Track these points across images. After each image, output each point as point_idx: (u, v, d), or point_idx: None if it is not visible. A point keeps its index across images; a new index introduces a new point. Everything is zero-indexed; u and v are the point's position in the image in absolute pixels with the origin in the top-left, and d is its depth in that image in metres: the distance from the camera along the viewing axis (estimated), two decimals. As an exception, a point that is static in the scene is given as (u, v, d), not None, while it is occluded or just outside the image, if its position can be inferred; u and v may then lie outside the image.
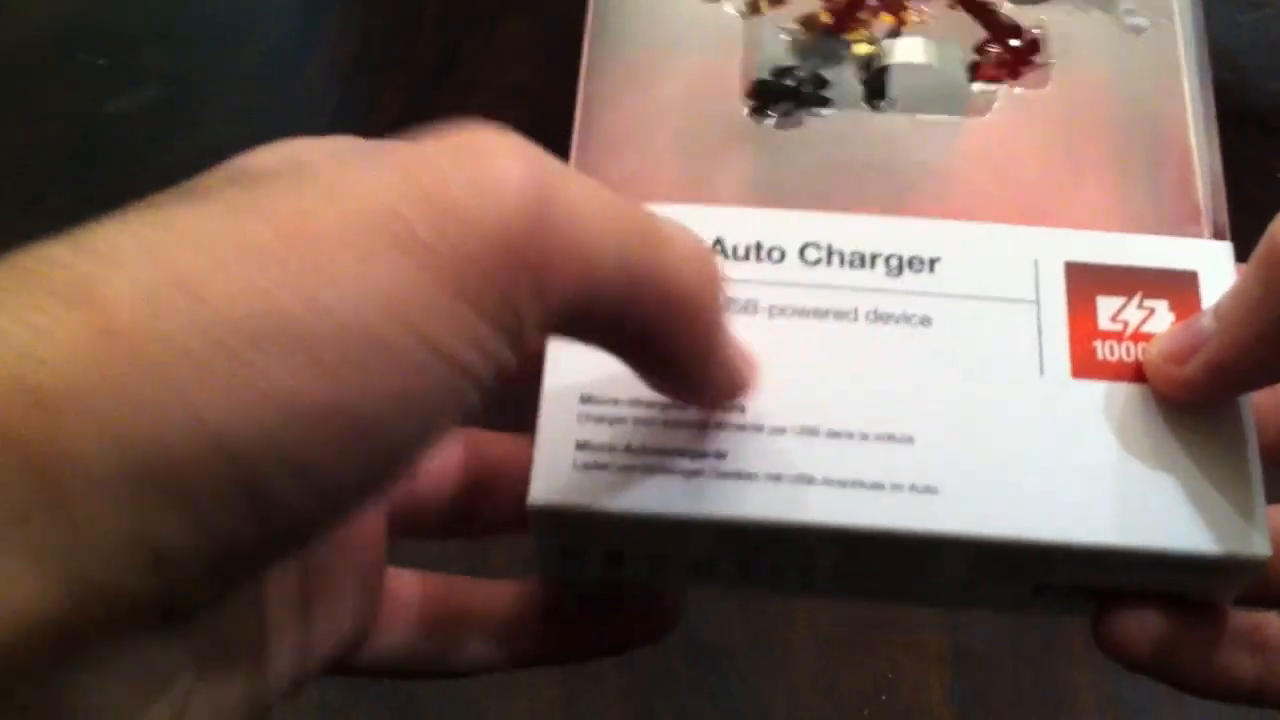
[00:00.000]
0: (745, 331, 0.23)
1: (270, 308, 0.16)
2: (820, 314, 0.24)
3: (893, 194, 0.26)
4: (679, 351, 0.21)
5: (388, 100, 0.67)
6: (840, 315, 0.24)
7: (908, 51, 0.27)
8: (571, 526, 0.23)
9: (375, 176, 0.18)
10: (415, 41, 0.71)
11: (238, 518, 0.16)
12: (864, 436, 0.23)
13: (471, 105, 0.66)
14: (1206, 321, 0.23)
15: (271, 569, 0.19)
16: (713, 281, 0.21)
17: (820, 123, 0.26)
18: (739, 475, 0.23)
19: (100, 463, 0.16)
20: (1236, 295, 0.22)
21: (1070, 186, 0.26)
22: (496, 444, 0.27)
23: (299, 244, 0.17)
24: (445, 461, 0.27)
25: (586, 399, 0.23)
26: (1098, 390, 0.23)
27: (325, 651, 0.23)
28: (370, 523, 0.25)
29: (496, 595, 0.27)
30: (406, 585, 0.26)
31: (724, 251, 0.25)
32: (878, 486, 0.23)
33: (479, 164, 0.18)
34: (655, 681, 0.58)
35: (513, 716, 0.58)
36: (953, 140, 0.27)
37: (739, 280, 0.24)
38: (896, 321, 0.24)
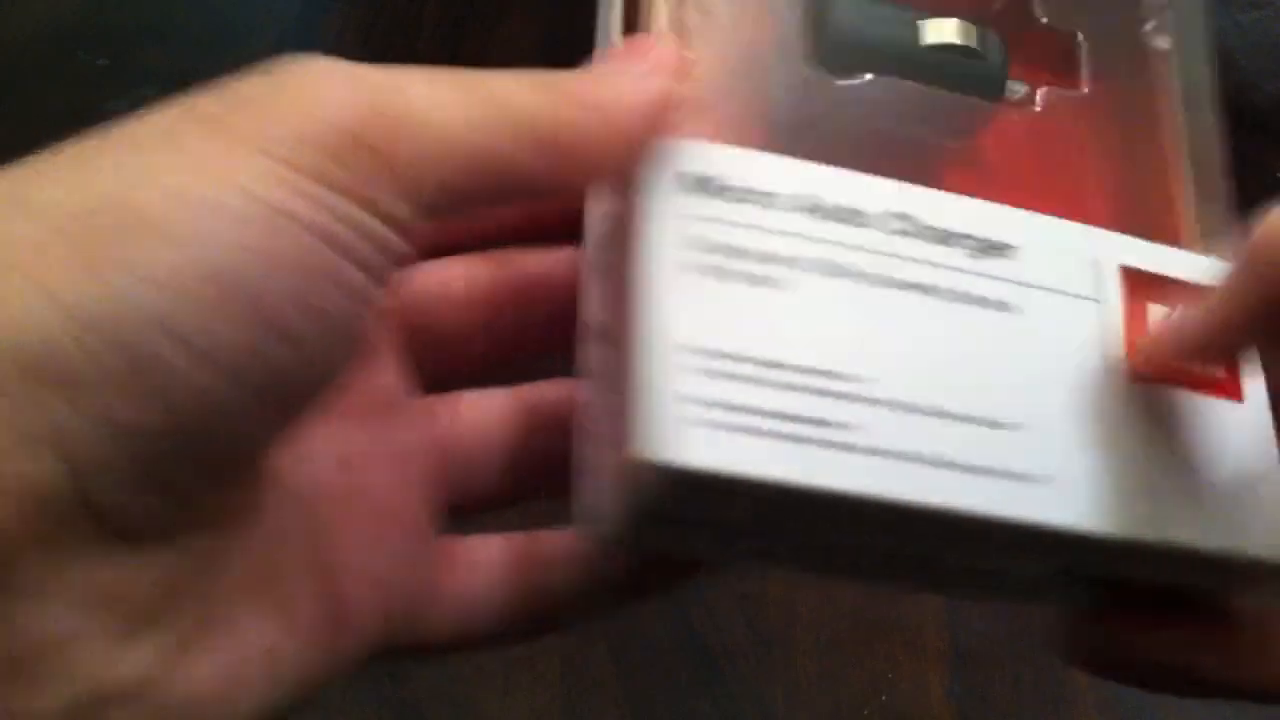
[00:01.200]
0: (833, 296, 0.23)
1: (98, 195, 0.17)
2: (906, 286, 0.23)
3: (927, 168, 0.26)
4: (594, 161, 0.22)
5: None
6: (925, 291, 0.23)
7: (940, 31, 0.26)
8: (677, 489, 0.21)
9: (184, 98, 0.19)
10: (415, 41, 0.71)
11: (130, 396, 0.16)
12: (972, 419, 0.23)
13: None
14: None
15: (215, 476, 0.18)
16: (571, 101, 0.21)
17: (870, 88, 0.26)
18: (871, 450, 0.22)
19: None
20: (1217, 288, 0.23)
21: (1109, 190, 0.26)
22: (549, 390, 0.27)
23: (113, 147, 0.18)
24: (495, 424, 0.26)
25: (695, 349, 0.21)
26: (1156, 393, 0.23)
27: (366, 632, 0.22)
28: (406, 493, 0.24)
29: (566, 541, 0.26)
30: (481, 549, 0.26)
31: (812, 209, 0.24)
32: (1005, 474, 0.22)
33: (278, 69, 0.19)
34: (655, 682, 0.58)
35: (513, 717, 0.58)
36: (992, 124, 0.26)
37: (828, 241, 0.23)
38: (977, 305, 0.23)
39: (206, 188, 0.17)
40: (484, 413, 0.26)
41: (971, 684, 0.59)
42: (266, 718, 0.20)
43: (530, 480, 0.27)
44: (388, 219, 0.19)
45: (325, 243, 0.18)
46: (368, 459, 0.23)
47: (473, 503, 0.27)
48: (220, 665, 0.19)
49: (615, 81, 0.22)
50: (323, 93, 0.19)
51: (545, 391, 0.27)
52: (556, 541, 0.26)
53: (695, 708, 0.58)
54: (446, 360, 0.26)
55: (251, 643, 0.19)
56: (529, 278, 0.26)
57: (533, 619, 0.25)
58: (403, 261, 0.19)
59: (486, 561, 0.25)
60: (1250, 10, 0.71)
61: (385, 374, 0.24)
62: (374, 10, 0.75)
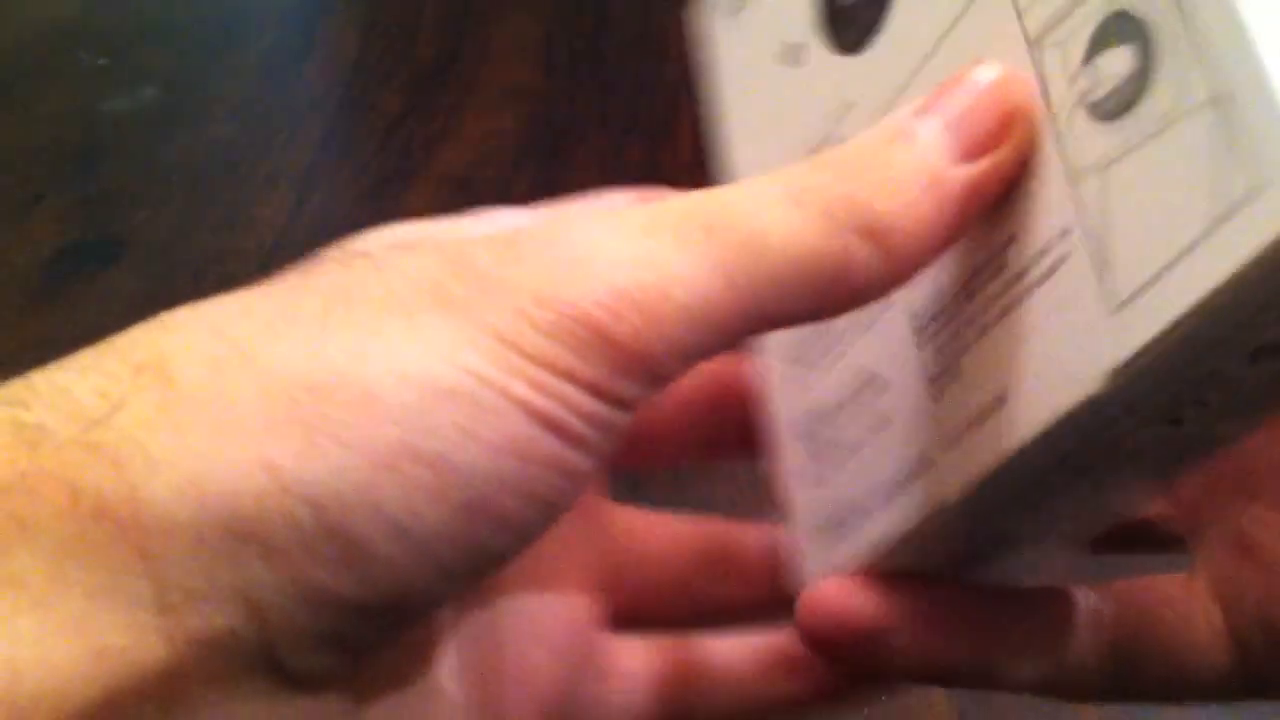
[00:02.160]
0: None
1: (322, 364, 0.17)
2: None
3: None
4: (862, 295, 0.19)
5: (388, 100, 0.67)
6: None
7: None
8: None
9: (416, 255, 0.18)
10: (415, 41, 0.71)
11: (329, 567, 0.17)
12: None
13: (471, 105, 0.66)
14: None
15: (391, 635, 0.18)
16: (839, 227, 0.18)
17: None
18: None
19: (178, 511, 0.16)
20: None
21: None
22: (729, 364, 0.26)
23: (342, 308, 0.18)
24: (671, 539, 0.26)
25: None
26: None
27: None
28: (576, 608, 0.24)
29: (734, 652, 0.25)
30: (632, 654, 0.25)
31: None
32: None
33: (503, 238, 0.18)
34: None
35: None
36: None
37: None
38: None
39: (433, 367, 0.17)
40: (660, 528, 0.26)
41: (971, 684, 0.59)
42: None
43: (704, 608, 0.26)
44: (612, 398, 0.18)
45: (547, 428, 0.18)
46: (540, 557, 0.22)
47: (660, 459, 0.27)
48: None
49: (910, 179, 0.18)
50: (543, 260, 0.18)
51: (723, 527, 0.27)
52: (708, 652, 0.25)
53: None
54: None
55: None
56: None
57: None
58: (623, 432, 0.18)
59: (633, 672, 0.25)
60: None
61: None
62: (374, 10, 0.75)
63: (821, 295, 0.18)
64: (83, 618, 0.16)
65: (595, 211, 0.22)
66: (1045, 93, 0.20)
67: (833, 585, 0.22)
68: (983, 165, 0.19)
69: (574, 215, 0.20)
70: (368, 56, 0.71)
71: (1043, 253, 0.19)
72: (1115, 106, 0.19)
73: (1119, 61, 0.19)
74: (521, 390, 0.17)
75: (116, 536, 0.16)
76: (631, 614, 0.25)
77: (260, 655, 0.17)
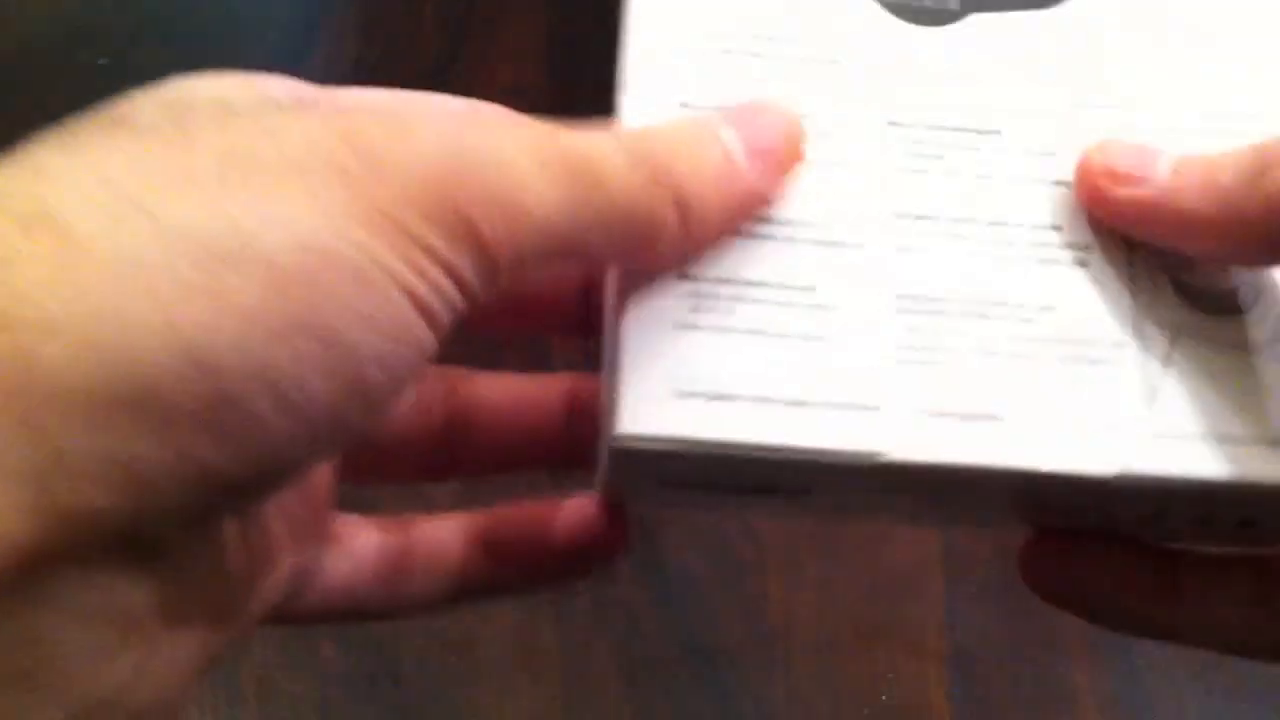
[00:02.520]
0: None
1: (226, 224, 0.17)
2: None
3: None
4: (659, 258, 0.22)
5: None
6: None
7: None
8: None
9: (304, 122, 0.19)
10: (415, 41, 0.71)
11: (216, 440, 0.16)
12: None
13: (471, 105, 0.66)
14: (1163, 166, 0.23)
15: (249, 503, 0.19)
16: (658, 183, 0.21)
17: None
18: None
19: (75, 381, 0.15)
20: (1204, 168, 0.22)
21: None
22: (480, 383, 0.27)
23: (239, 169, 0.17)
24: (423, 401, 0.27)
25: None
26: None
27: (270, 599, 0.23)
28: (323, 473, 0.25)
29: (441, 530, 0.27)
30: (349, 531, 0.26)
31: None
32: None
33: (395, 120, 0.19)
34: (655, 682, 0.58)
35: (513, 716, 0.58)
36: None
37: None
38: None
39: (331, 241, 0.17)
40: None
41: (971, 684, 0.59)
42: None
43: (451, 463, 0.27)
44: (466, 290, 0.19)
45: (419, 311, 0.18)
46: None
47: (389, 477, 0.28)
48: (176, 670, 0.19)
49: (711, 163, 0.22)
50: (435, 152, 0.19)
51: (473, 380, 0.28)
52: (419, 531, 0.27)
53: (695, 708, 0.58)
54: None
55: (193, 645, 0.20)
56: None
57: (383, 608, 0.26)
58: (453, 330, 0.20)
59: (362, 548, 0.26)
60: (1250, 10, 0.71)
61: None
62: (374, 10, 0.75)
63: (632, 244, 0.21)
64: None
65: (492, 118, 0.22)
66: None
67: (1053, 543, 0.25)
68: (764, 175, 0.23)
69: (470, 114, 0.21)
70: (368, 56, 0.71)
71: (1090, 337, 0.23)
72: None
73: (1220, 274, 0.24)
74: (406, 274, 0.18)
75: (2, 402, 0.15)
76: (372, 469, 0.26)
77: (126, 531, 0.16)
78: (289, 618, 0.25)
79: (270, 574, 0.23)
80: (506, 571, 0.27)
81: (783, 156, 0.23)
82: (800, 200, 0.24)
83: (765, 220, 0.23)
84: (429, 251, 0.18)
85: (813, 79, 0.25)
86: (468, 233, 0.19)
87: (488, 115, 0.22)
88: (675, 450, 0.22)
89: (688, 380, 0.22)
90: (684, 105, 0.24)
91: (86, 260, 0.16)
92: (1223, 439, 0.22)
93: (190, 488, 0.17)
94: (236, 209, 0.17)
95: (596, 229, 0.20)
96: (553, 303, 0.27)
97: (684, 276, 0.23)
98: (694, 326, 0.22)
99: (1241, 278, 0.24)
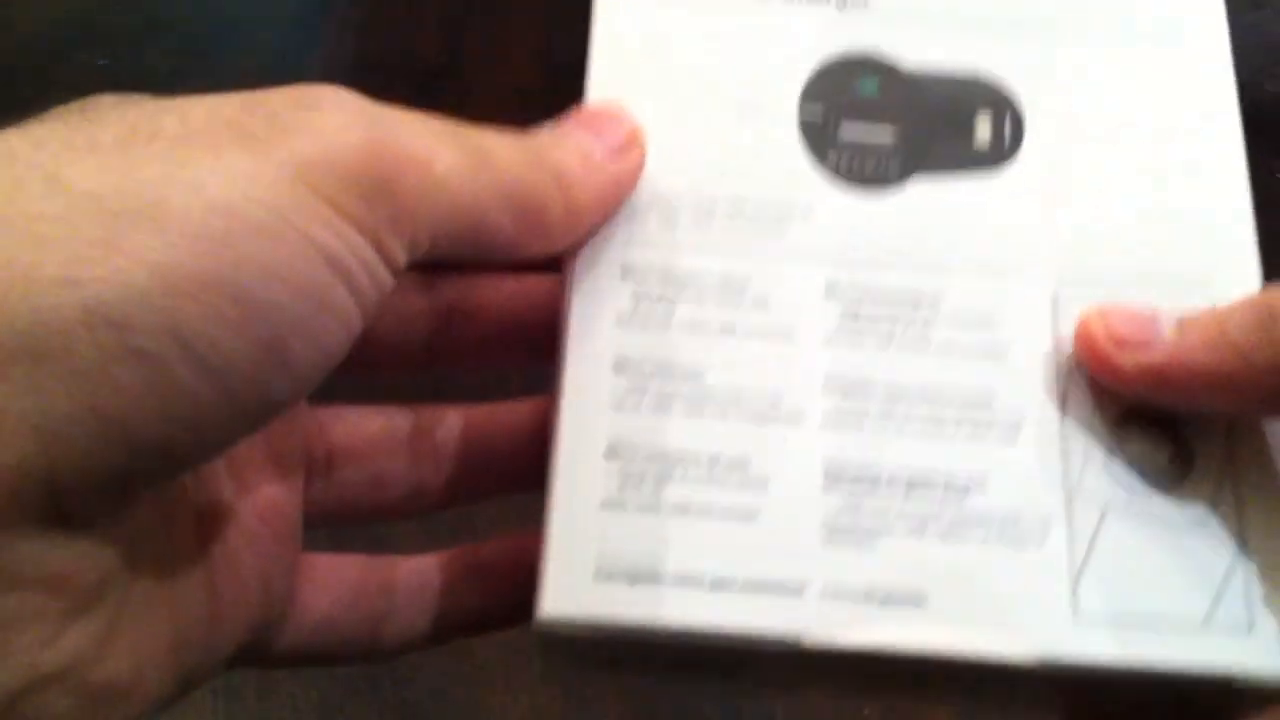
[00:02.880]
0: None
1: (131, 185, 0.17)
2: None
3: None
4: (551, 233, 0.22)
5: (387, 100, 0.67)
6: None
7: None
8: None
9: (206, 98, 0.19)
10: (415, 41, 0.71)
11: (126, 392, 0.16)
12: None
13: (471, 105, 0.66)
14: (1166, 327, 0.23)
15: (173, 472, 0.19)
16: (541, 167, 0.22)
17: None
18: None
19: None
20: (1214, 325, 0.22)
21: None
22: (462, 284, 0.27)
23: (143, 139, 0.18)
24: (408, 304, 0.27)
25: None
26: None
27: (236, 633, 0.23)
28: (280, 499, 0.24)
29: (420, 569, 0.27)
30: (326, 567, 0.26)
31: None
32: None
33: (301, 93, 0.19)
34: (655, 681, 0.58)
35: (513, 716, 0.58)
36: None
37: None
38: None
39: (240, 201, 0.17)
40: (367, 427, 0.27)
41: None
42: (161, 705, 0.20)
43: (442, 352, 0.27)
44: (386, 256, 0.19)
45: (336, 273, 0.18)
46: (251, 462, 0.24)
47: (384, 369, 0.27)
48: (134, 652, 0.19)
49: (578, 155, 0.23)
50: (343, 122, 0.19)
51: (443, 415, 0.28)
52: (396, 569, 0.26)
53: (695, 708, 0.58)
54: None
55: (159, 634, 0.20)
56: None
57: (363, 649, 0.26)
58: (381, 304, 0.20)
59: (339, 583, 0.26)
60: (1250, 10, 0.71)
61: None
62: (374, 10, 0.75)
63: (526, 217, 0.22)
64: None
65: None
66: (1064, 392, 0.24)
67: None
68: (618, 165, 0.24)
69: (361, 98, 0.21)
70: (368, 56, 0.71)
71: (1018, 515, 0.23)
72: (1145, 478, 0.24)
73: (1157, 449, 0.24)
74: (320, 233, 0.18)
75: None
76: (336, 504, 0.26)
77: (43, 493, 0.16)
78: (270, 658, 0.25)
79: (236, 585, 0.23)
80: (492, 603, 0.27)
81: (632, 154, 0.24)
82: (732, 369, 0.23)
83: (698, 394, 0.23)
84: (344, 213, 0.18)
85: (752, 244, 0.25)
86: (383, 194, 0.19)
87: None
88: (596, 634, 0.22)
89: (611, 560, 0.22)
90: (625, 269, 0.24)
91: None
92: (1149, 622, 0.22)
93: (108, 445, 0.17)
94: (142, 172, 0.17)
95: (495, 200, 0.21)
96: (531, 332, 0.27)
97: (613, 455, 0.23)
98: (620, 505, 0.22)
99: (1178, 450, 0.24)
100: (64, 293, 0.16)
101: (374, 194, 0.19)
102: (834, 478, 0.23)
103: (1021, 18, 0.27)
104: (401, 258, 0.19)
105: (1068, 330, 0.24)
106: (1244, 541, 0.23)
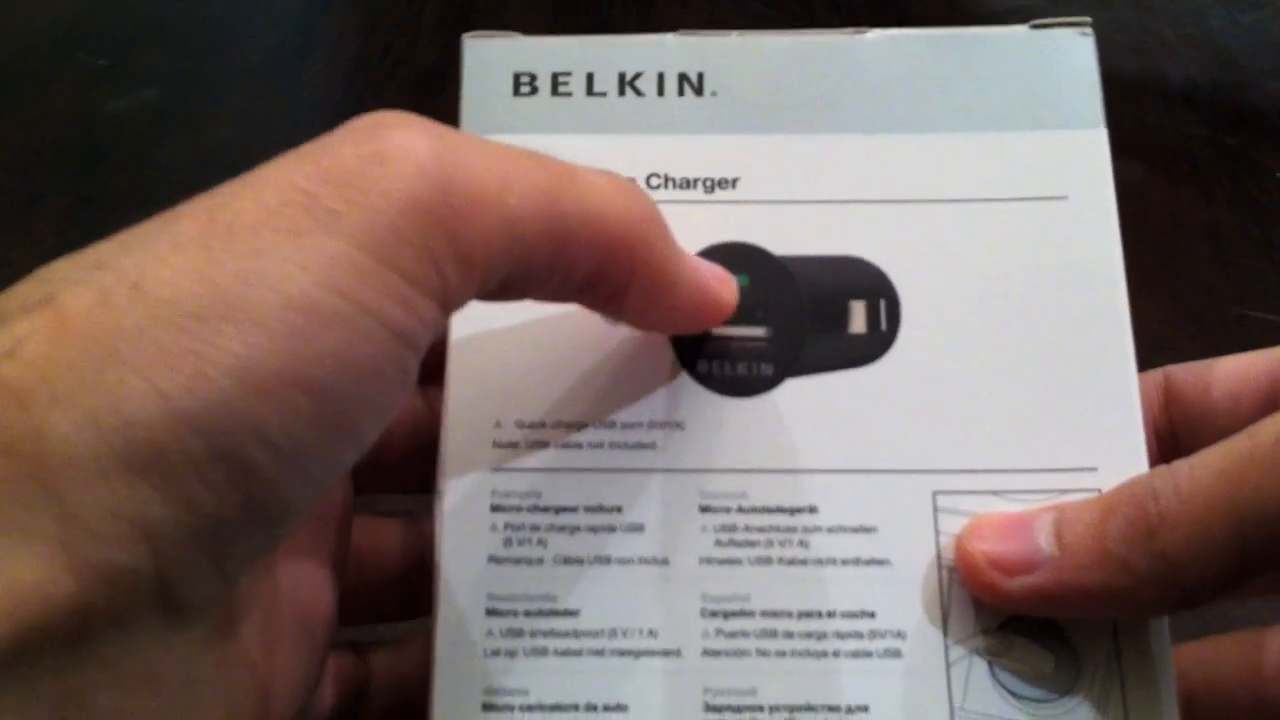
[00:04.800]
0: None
1: (209, 288, 0.17)
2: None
3: None
4: (633, 281, 0.22)
5: (388, 100, 0.67)
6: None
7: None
8: None
9: (281, 165, 0.19)
10: (415, 41, 0.71)
11: (217, 490, 0.17)
12: None
13: (471, 105, 0.66)
14: (1044, 540, 0.23)
15: (259, 554, 0.19)
16: (644, 205, 0.21)
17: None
18: None
19: (79, 446, 0.16)
20: (1089, 541, 0.22)
21: None
22: None
23: (223, 230, 0.18)
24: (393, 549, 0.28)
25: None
26: None
27: (278, 712, 0.23)
28: (324, 601, 0.25)
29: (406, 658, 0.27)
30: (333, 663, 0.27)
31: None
32: None
33: (370, 137, 0.19)
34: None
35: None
36: None
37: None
38: None
39: (315, 291, 0.18)
40: (382, 538, 0.28)
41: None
42: None
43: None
44: (451, 308, 0.19)
45: (405, 345, 0.19)
46: (294, 563, 0.24)
47: (385, 484, 0.28)
48: None
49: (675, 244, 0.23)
50: (413, 169, 0.19)
51: None
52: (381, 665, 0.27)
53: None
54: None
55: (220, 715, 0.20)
56: None
57: None
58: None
59: (338, 675, 0.27)
60: (1250, 10, 0.71)
61: None
62: (374, 10, 0.75)
63: (614, 252, 0.21)
64: None
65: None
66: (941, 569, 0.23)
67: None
68: (718, 285, 0.24)
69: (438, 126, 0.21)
70: (368, 56, 0.71)
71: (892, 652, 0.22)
72: (1026, 690, 0.22)
73: (1042, 660, 0.23)
74: (392, 311, 0.18)
75: (23, 472, 0.16)
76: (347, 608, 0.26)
77: (154, 589, 0.17)
78: None
79: (285, 685, 0.23)
80: None
81: (727, 288, 0.24)
82: (604, 604, 0.23)
83: (569, 634, 0.23)
84: (415, 281, 0.19)
85: (624, 459, 0.24)
86: (453, 246, 0.19)
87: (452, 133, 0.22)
88: None
89: None
90: (495, 502, 0.24)
91: (78, 336, 0.17)
92: None
93: (203, 539, 0.17)
94: (221, 270, 0.18)
95: (577, 226, 0.20)
96: None
97: (490, 709, 0.22)
98: None
99: (1064, 656, 0.23)
100: (151, 405, 0.17)
101: (444, 248, 0.19)
102: (715, 710, 0.22)
103: (892, 191, 0.25)
104: (467, 301, 0.20)
105: (948, 529, 0.23)
106: None
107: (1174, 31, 0.66)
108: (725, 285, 0.24)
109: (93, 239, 0.19)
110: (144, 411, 0.16)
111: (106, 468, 0.16)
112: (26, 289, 0.18)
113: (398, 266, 0.18)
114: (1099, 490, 0.23)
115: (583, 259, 0.21)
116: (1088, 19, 0.27)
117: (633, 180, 0.22)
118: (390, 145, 0.19)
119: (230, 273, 0.17)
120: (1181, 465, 0.22)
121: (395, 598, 0.28)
